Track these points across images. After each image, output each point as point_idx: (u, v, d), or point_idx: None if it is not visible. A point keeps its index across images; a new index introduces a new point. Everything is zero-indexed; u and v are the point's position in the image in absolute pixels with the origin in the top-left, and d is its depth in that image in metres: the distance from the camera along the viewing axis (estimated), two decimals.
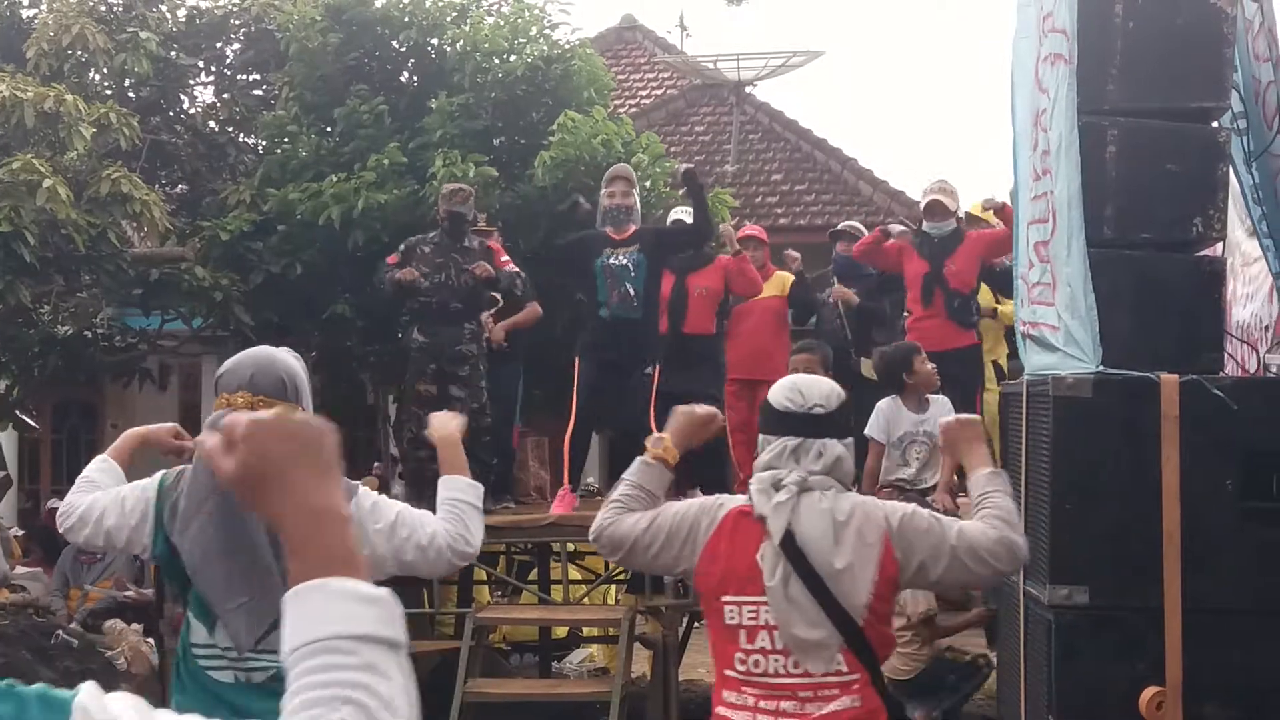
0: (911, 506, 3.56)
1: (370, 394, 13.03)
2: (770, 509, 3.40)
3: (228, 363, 3.83)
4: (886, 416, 7.67)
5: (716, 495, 3.66)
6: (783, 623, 3.38)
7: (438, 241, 9.18)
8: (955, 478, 7.89)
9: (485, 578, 10.70)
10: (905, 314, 9.17)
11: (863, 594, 3.38)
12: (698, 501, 3.59)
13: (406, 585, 9.96)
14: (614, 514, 3.68)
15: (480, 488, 4.04)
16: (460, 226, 9.22)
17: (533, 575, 11.06)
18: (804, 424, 3.47)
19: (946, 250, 8.77)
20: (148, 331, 11.84)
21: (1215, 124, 5.08)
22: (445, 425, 4.19)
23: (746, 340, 9.23)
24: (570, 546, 9.13)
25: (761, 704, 3.42)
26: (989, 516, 3.49)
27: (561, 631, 11.30)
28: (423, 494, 9.16)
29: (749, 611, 3.43)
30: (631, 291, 8.72)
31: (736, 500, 3.57)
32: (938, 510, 7.23)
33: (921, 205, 9.18)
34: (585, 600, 9.13)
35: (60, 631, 9.61)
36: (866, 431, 7.66)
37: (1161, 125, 4.93)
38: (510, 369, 9.78)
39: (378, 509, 3.83)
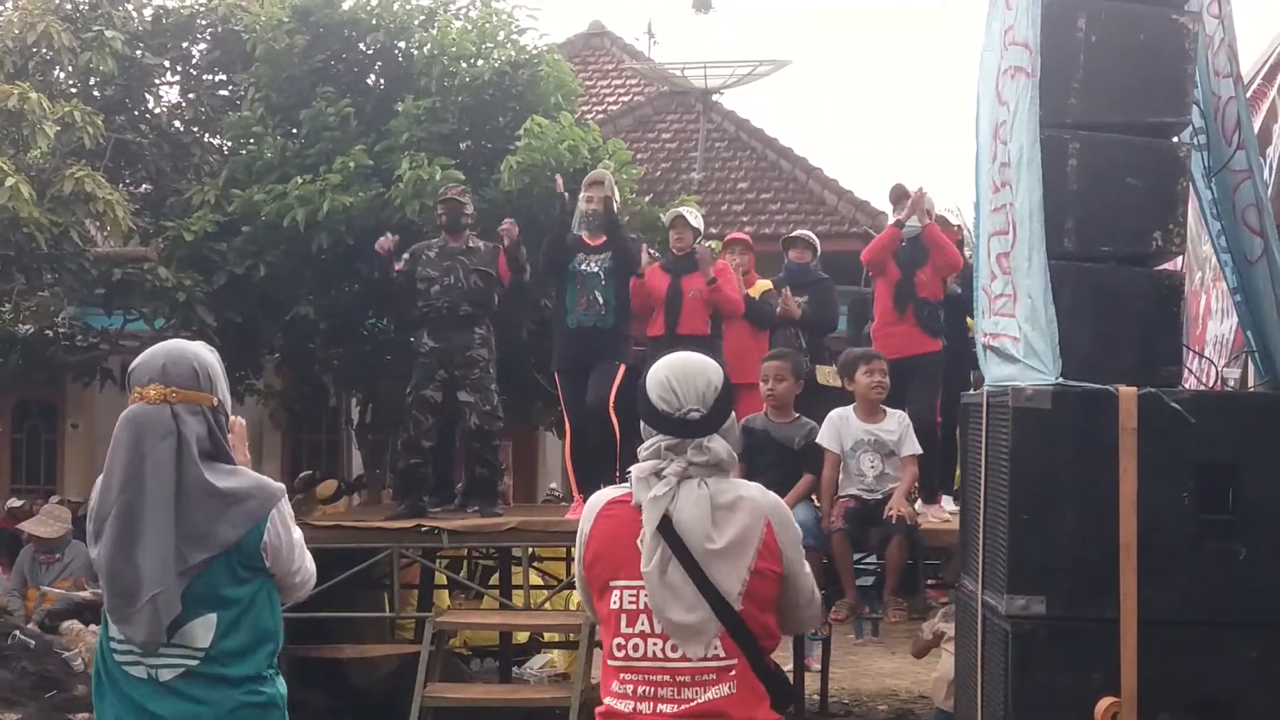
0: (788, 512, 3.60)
1: (333, 396, 12.98)
2: (648, 499, 3.41)
3: (139, 357, 3.82)
4: (836, 426, 7.67)
5: (591, 497, 3.65)
6: (658, 607, 3.38)
7: (442, 245, 9.20)
8: (916, 486, 7.95)
9: (446, 582, 10.69)
10: (870, 320, 9.17)
11: (738, 578, 3.39)
12: (582, 516, 3.61)
13: (367, 590, 9.98)
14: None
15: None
16: (458, 218, 9.23)
17: (494, 580, 11.05)
18: (679, 427, 3.46)
19: (917, 261, 8.80)
20: (110, 331, 11.77)
21: (1176, 139, 5.13)
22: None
23: (726, 345, 9.23)
24: (531, 551, 9.13)
25: (640, 689, 3.41)
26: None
27: (522, 637, 11.29)
28: (407, 496, 9.19)
29: (629, 596, 3.43)
30: (600, 300, 8.74)
31: (616, 490, 3.57)
32: (893, 517, 7.32)
33: (889, 194, 9.19)
34: (546, 606, 9.13)
35: (17, 632, 9.53)
36: (819, 439, 7.67)
37: (1122, 139, 4.97)
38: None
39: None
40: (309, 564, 3.93)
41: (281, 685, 3.86)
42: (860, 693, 11.38)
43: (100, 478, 3.83)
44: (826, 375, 9.45)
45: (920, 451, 7.66)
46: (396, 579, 9.14)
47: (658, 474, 3.44)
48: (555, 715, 8.80)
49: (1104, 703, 4.51)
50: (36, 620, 10.00)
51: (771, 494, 3.57)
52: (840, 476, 7.66)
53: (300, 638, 3.82)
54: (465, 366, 9.09)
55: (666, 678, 3.40)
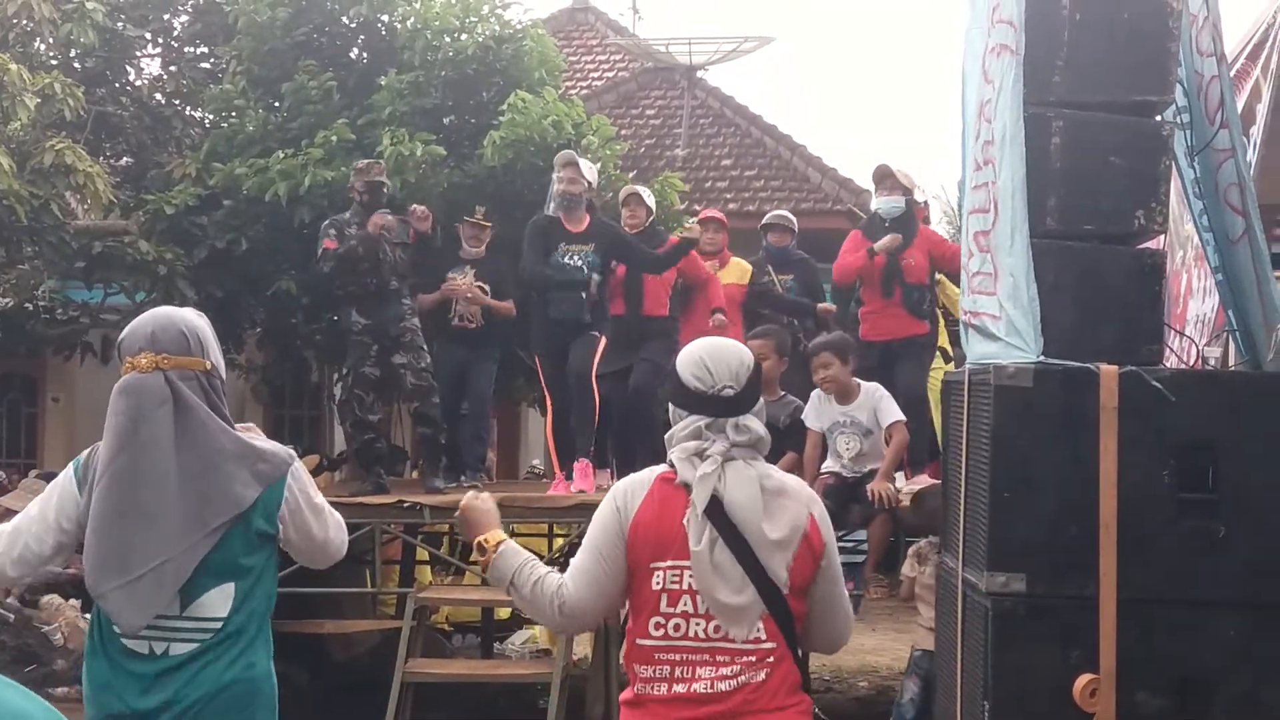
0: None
1: (315, 371, 12.95)
2: (696, 478, 3.40)
3: (128, 326, 3.78)
4: (815, 407, 7.70)
5: (626, 479, 3.62)
6: (705, 588, 3.38)
7: (359, 222, 9.11)
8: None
9: (428, 558, 10.69)
10: (857, 303, 9.17)
11: (785, 564, 3.40)
12: (605, 503, 3.56)
13: (348, 565, 9.97)
14: (546, 598, 3.58)
15: None
16: (379, 198, 9.19)
17: (475, 556, 11.05)
18: (714, 405, 3.47)
19: (902, 243, 8.79)
20: (90, 305, 11.72)
21: (1159, 118, 5.13)
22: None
23: (702, 324, 9.22)
24: (512, 529, 9.13)
25: (678, 670, 3.41)
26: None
27: (504, 613, 11.30)
28: (369, 472, 9.18)
29: (672, 576, 3.43)
30: (583, 296, 8.69)
31: (659, 468, 3.56)
32: (872, 497, 7.32)
33: (872, 174, 9.17)
34: None
35: None
36: (803, 417, 7.70)
37: (1106, 118, 4.97)
38: (487, 368, 9.78)
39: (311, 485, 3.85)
40: (335, 534, 3.91)
41: (270, 664, 3.83)
42: (841, 669, 11.41)
43: (86, 451, 3.80)
44: None
45: (903, 417, 7.62)
46: (378, 555, 9.13)
47: (700, 454, 3.44)
48: (537, 691, 8.82)
49: (1082, 680, 4.53)
50: (16, 594, 9.98)
51: (809, 488, 3.62)
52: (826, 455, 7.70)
53: (281, 613, 3.78)
54: (396, 336, 9.08)
55: (706, 657, 3.41)
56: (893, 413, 7.57)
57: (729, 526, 3.38)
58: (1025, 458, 4.69)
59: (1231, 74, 5.92)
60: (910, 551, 7.33)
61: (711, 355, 3.53)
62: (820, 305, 9.67)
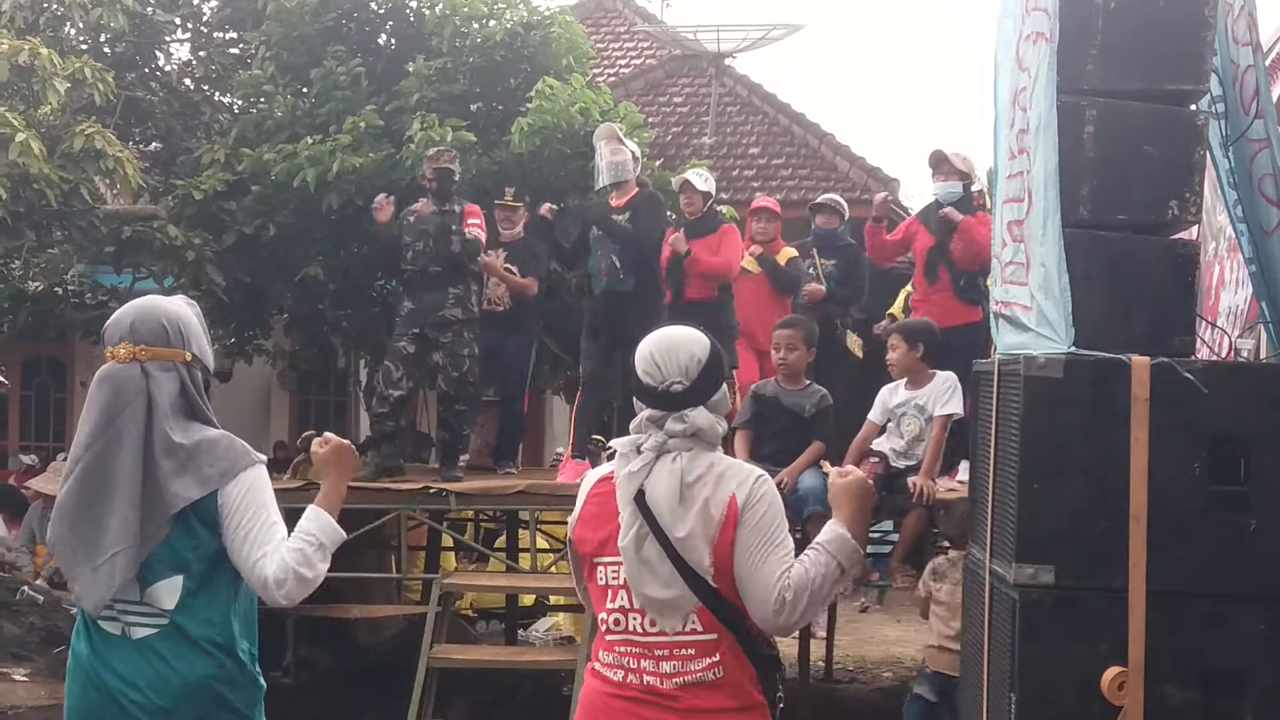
0: (768, 483, 3.50)
1: (342, 357, 12.99)
2: (623, 474, 3.44)
3: (112, 316, 3.80)
4: (883, 397, 7.67)
5: (588, 471, 3.70)
6: (635, 582, 3.42)
7: (420, 210, 9.17)
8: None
9: (452, 544, 10.71)
10: (910, 289, 9.11)
11: (706, 553, 3.40)
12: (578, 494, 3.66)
13: (374, 551, 9.99)
14: None
15: (338, 534, 3.76)
16: (448, 186, 9.21)
17: (500, 543, 11.06)
18: (661, 400, 3.48)
19: (951, 226, 8.68)
20: (119, 289, 11.75)
21: (1194, 107, 5.08)
22: (335, 450, 3.84)
23: (740, 311, 9.16)
24: (537, 515, 9.13)
25: (626, 660, 3.47)
26: (812, 568, 3.42)
27: (528, 599, 11.32)
28: (377, 449, 9.22)
29: (611, 571, 3.48)
30: (617, 263, 8.66)
31: (606, 467, 3.61)
32: (912, 490, 7.27)
33: (928, 159, 9.05)
34: (553, 569, 9.13)
35: (25, 588, 9.58)
36: (869, 415, 7.68)
37: (1140, 107, 4.92)
38: (522, 340, 9.79)
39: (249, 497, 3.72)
40: (274, 569, 3.62)
41: (259, 675, 3.81)
42: (865, 659, 11.40)
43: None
44: (853, 343, 9.42)
45: (959, 411, 7.42)
46: (404, 540, 9.15)
47: (638, 448, 3.46)
48: (560, 678, 8.83)
49: (1110, 672, 4.50)
50: (45, 576, 10.04)
51: (755, 471, 3.53)
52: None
53: (308, 598, 3.78)
54: (439, 327, 9.07)
55: (643, 651, 3.45)
56: (949, 405, 7.44)
57: (653, 520, 3.41)
58: (1055, 449, 4.66)
59: (1267, 63, 5.86)
60: (929, 567, 7.21)
61: (661, 350, 3.53)
62: (808, 287, 9.51)
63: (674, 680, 3.40)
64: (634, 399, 3.58)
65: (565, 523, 11.04)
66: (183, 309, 3.83)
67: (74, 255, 11.24)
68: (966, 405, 7.04)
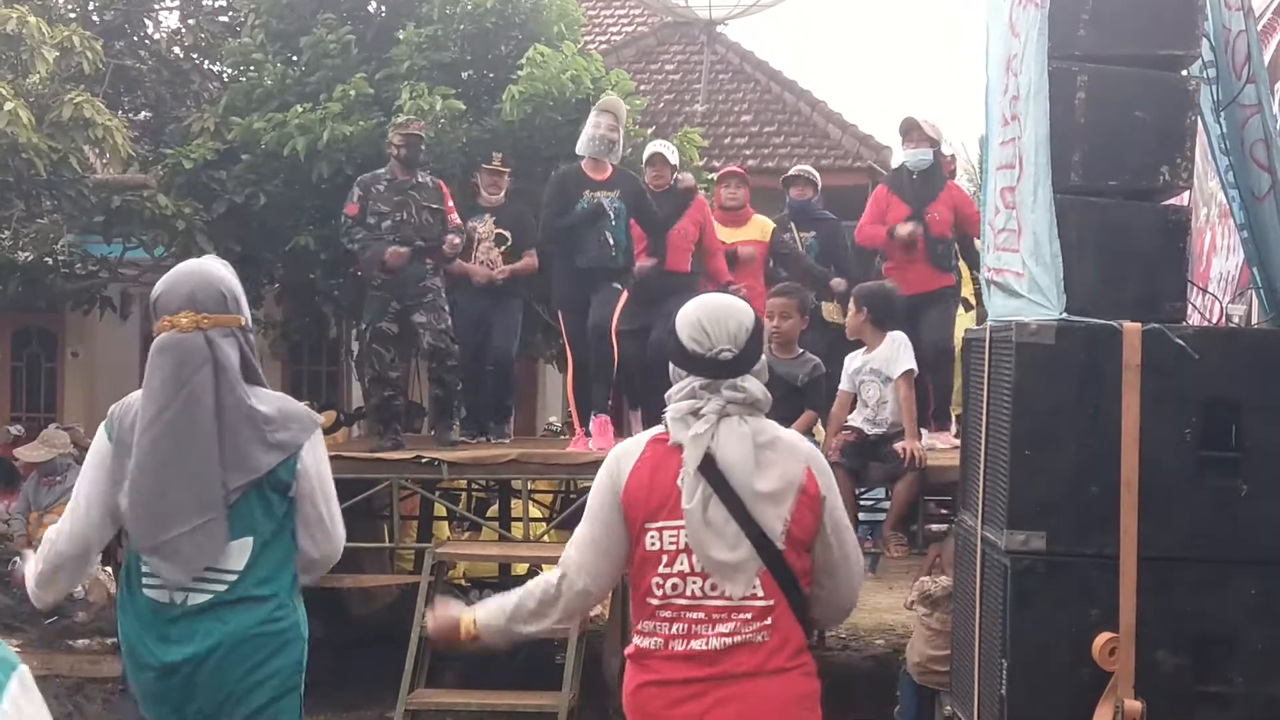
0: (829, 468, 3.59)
1: (334, 326, 12.95)
2: (688, 438, 3.40)
3: (161, 283, 3.83)
4: (847, 366, 7.70)
5: (620, 444, 3.63)
6: (699, 545, 3.38)
7: (390, 178, 9.11)
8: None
9: (445, 513, 10.71)
10: (881, 259, 9.10)
11: (780, 518, 3.39)
12: (600, 470, 3.58)
13: (367, 520, 10.00)
14: (541, 589, 3.70)
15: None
16: (416, 154, 9.17)
17: (493, 511, 11.07)
18: (711, 367, 3.46)
19: (928, 197, 8.74)
20: (109, 259, 11.73)
21: (1185, 72, 5.07)
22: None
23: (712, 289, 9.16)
24: (529, 484, 9.13)
25: (676, 627, 3.44)
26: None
27: (521, 568, 11.28)
28: (387, 429, 9.18)
29: (669, 536, 3.43)
30: (611, 241, 8.63)
31: (652, 431, 3.58)
32: (903, 455, 7.27)
33: (899, 126, 9.06)
34: (545, 538, 9.13)
35: (17, 558, 9.55)
36: (840, 385, 7.71)
37: (1131, 72, 4.91)
38: (510, 320, 9.76)
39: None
40: (335, 530, 3.92)
41: (303, 615, 3.87)
42: (857, 627, 11.42)
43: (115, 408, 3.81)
44: (831, 312, 9.41)
45: (911, 368, 7.50)
46: (396, 510, 9.15)
47: (695, 413, 3.43)
48: (554, 646, 8.84)
49: (1102, 638, 4.52)
50: (37, 545, 10.02)
51: (813, 447, 3.60)
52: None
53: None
54: (418, 295, 9.06)
55: (703, 615, 3.42)
56: (901, 362, 7.49)
57: (722, 483, 3.38)
58: (1046, 415, 4.67)
59: (1259, 28, 5.85)
60: (919, 589, 6.97)
61: (709, 317, 3.51)
62: (834, 280, 9.54)
63: (728, 640, 3.39)
64: (673, 366, 3.55)
65: (556, 492, 11.00)
66: (230, 273, 3.93)
67: (64, 225, 11.20)
68: None
